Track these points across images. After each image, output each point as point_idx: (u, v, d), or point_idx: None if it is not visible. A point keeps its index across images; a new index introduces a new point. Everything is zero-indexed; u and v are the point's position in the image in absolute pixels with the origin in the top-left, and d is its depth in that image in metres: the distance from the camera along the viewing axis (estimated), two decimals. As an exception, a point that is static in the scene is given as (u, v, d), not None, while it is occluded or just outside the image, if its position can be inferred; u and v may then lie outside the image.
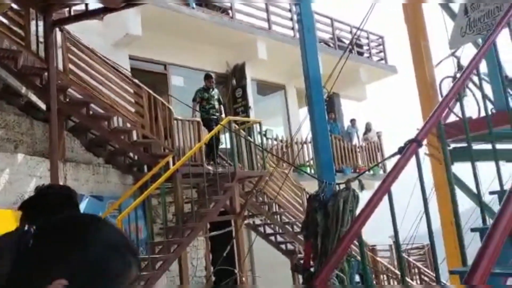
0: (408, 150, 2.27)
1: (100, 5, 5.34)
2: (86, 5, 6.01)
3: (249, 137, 8.18)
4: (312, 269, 2.74)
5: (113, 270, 0.67)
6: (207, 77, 8.34)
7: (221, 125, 7.33)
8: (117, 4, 4.35)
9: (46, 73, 6.21)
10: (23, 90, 6.45)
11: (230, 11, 10.30)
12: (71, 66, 6.51)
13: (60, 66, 6.45)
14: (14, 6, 5.88)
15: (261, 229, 8.78)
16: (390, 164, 9.12)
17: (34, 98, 6.54)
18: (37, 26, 6.26)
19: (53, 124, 5.70)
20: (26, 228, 0.68)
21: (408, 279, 9.35)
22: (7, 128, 6.34)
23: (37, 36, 6.26)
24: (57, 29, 6.30)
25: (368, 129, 12.69)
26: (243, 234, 8.26)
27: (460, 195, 5.06)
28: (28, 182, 6.06)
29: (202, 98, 8.09)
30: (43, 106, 6.48)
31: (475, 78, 4.21)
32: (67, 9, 6.41)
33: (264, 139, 9.07)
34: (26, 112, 6.63)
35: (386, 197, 2.28)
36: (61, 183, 6.08)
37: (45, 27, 5.98)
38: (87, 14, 6.02)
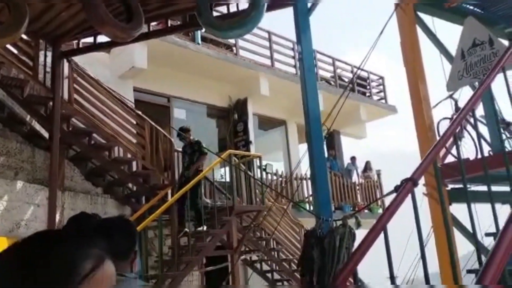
0: (404, 189, 2.30)
1: (108, 39, 5.50)
2: (95, 38, 6.20)
3: (248, 171, 8.19)
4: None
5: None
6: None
7: (221, 158, 7.36)
8: (125, 41, 4.50)
9: (51, 103, 6.33)
10: (28, 118, 6.54)
11: (234, 48, 10.57)
12: (76, 96, 6.63)
13: (65, 96, 6.57)
14: (24, 36, 6.06)
15: (258, 265, 8.64)
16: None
17: (37, 126, 6.63)
18: (45, 56, 6.43)
19: (54, 153, 5.76)
20: None
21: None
22: (9, 155, 6.38)
23: (44, 66, 6.42)
24: (65, 60, 6.47)
25: (368, 167, 12.72)
26: (239, 270, 8.13)
27: (461, 237, 5.02)
28: (26, 209, 6.05)
29: None
30: (45, 134, 6.56)
31: (473, 120, 4.28)
32: (76, 41, 6.60)
33: (264, 173, 9.09)
34: (29, 140, 6.69)
35: (382, 236, 2.28)
36: (58, 212, 6.07)
37: (53, 58, 6.15)
38: (95, 47, 6.20)
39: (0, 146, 6.29)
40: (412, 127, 5.28)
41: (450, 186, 4.85)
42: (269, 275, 8.60)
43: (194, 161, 7.01)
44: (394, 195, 2.49)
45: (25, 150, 6.60)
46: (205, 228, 6.82)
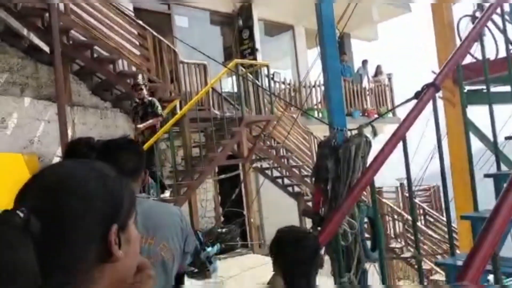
0: (425, 94, 2.18)
1: None
2: None
3: (256, 81, 8.02)
4: (321, 214, 2.76)
5: None
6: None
7: (228, 68, 7.15)
8: None
9: (47, 14, 6.01)
10: (25, 32, 6.27)
11: None
12: (72, 6, 6.28)
13: (62, 7, 6.22)
14: None
15: (269, 172, 8.88)
16: (399, 107, 8.96)
17: (37, 40, 6.38)
18: (35, -37, 5.97)
19: (57, 67, 5.60)
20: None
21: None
22: (12, 72, 6.24)
23: (35, -26, 5.99)
24: (56, -34, 6.00)
25: (378, 71, 12.38)
26: (251, 177, 8.37)
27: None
28: (37, 126, 6.07)
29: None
30: (46, 48, 6.34)
31: (501, 18, 3.99)
32: None
33: (272, 82, 8.91)
34: (30, 55, 6.49)
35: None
36: (69, 127, 6.09)
37: (43, -36, 5.71)
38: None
39: (1, 62, 6.13)
40: (426, 28, 4.98)
41: (467, 88, 4.70)
42: (279, 180, 8.88)
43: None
44: (412, 101, 2.39)
45: (28, 66, 6.44)
46: (167, 194, 6.03)
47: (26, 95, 6.22)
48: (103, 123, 6.96)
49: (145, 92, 6.04)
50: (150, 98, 6.09)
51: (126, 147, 1.63)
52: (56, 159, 6.09)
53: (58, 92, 5.65)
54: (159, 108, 6.02)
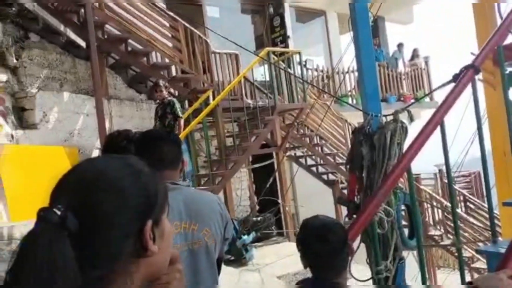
0: (464, 77, 2.09)
1: None
2: None
3: (288, 69, 7.96)
4: (357, 201, 2.73)
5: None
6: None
7: (259, 57, 7.13)
8: None
9: (82, 10, 6.18)
10: (62, 28, 6.47)
11: None
12: (105, 0, 6.42)
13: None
14: None
15: (303, 160, 8.84)
16: (437, 92, 8.65)
17: (73, 36, 6.58)
18: (69, -40, 6.12)
19: (94, 62, 5.76)
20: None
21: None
22: (51, 67, 6.47)
23: (70, -29, 6.15)
24: (89, -38, 6.13)
25: (415, 55, 11.98)
26: (285, 166, 8.37)
27: None
28: (76, 119, 6.29)
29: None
30: (83, 44, 6.52)
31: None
32: None
33: (304, 70, 8.82)
34: (68, 51, 6.71)
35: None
36: (107, 120, 6.27)
37: (77, -39, 5.84)
38: None
39: (41, 59, 6.36)
40: (464, 7, 4.76)
41: (508, 70, 4.48)
42: (314, 169, 8.82)
43: (166, 125, 5.97)
44: (450, 85, 2.30)
45: (65, 61, 6.66)
46: None
47: (65, 89, 6.44)
48: (139, 115, 7.12)
49: (164, 93, 6.04)
50: (170, 99, 6.09)
51: (164, 138, 1.67)
52: (96, 151, 6.29)
53: (95, 86, 5.82)
54: (178, 109, 5.99)
